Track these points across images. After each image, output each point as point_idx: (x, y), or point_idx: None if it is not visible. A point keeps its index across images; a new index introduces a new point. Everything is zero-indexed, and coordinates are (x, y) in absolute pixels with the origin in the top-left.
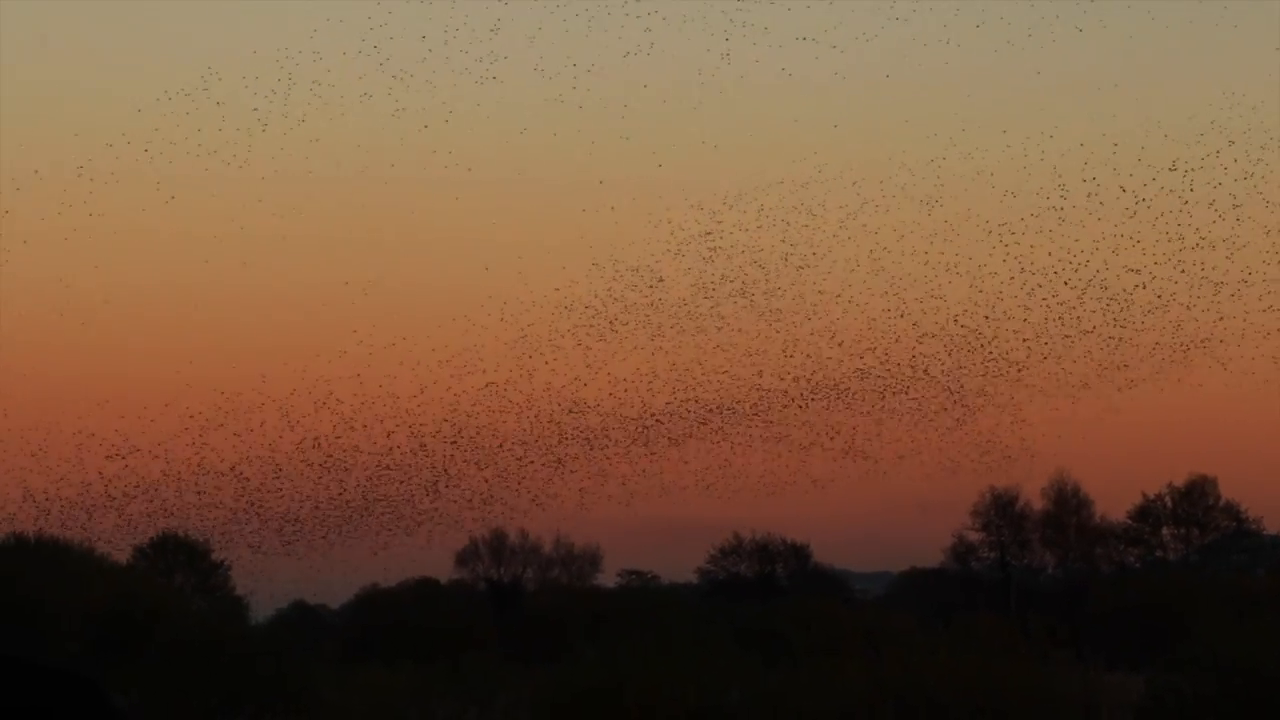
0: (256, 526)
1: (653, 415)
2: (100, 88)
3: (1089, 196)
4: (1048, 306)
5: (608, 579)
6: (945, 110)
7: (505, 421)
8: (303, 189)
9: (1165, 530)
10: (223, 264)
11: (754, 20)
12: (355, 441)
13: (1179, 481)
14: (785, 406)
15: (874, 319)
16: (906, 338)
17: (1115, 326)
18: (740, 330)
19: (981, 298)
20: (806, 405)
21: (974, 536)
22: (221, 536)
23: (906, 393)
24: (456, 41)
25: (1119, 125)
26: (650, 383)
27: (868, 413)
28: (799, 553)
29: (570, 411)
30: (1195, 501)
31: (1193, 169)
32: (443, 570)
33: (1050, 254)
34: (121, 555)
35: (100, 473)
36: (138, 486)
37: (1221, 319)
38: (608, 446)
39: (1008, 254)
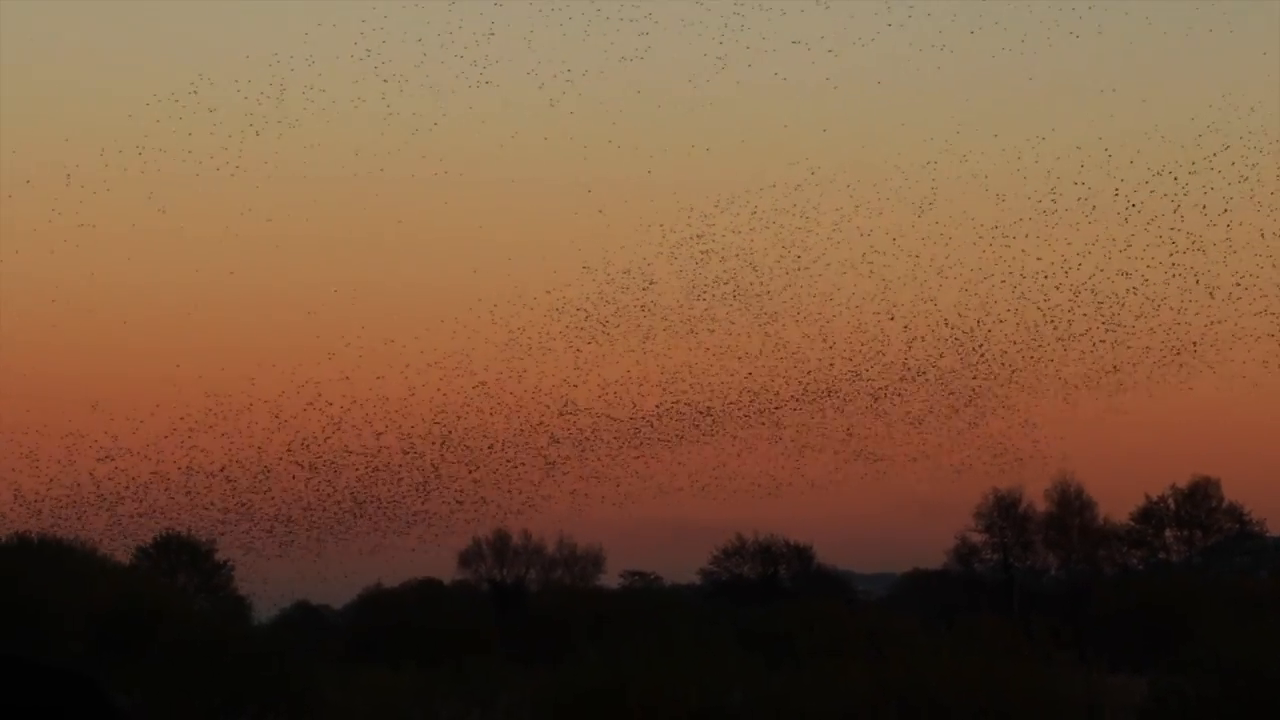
0: (247, 528)
1: (644, 417)
2: (92, 91)
3: (1080, 200)
4: (1040, 310)
5: (610, 580)
6: (939, 114)
7: (495, 423)
8: (292, 191)
9: (1168, 532)
10: (213, 267)
11: (748, 24)
12: (345, 443)
13: (1182, 483)
14: (778, 409)
15: (867, 321)
16: (899, 340)
17: (1107, 330)
18: (732, 332)
19: (974, 300)
20: (799, 408)
21: (977, 538)
22: (210, 538)
23: (901, 395)
24: (451, 46)
25: (1114, 128)
26: (640, 385)
27: (862, 415)
28: (802, 554)
29: (561, 413)
30: (1198, 503)
31: (1188, 173)
32: (446, 571)
33: (1040, 258)
34: (124, 555)
35: (91, 474)
36: (128, 488)
37: (1213, 323)
38: (599, 448)
39: (1000, 257)
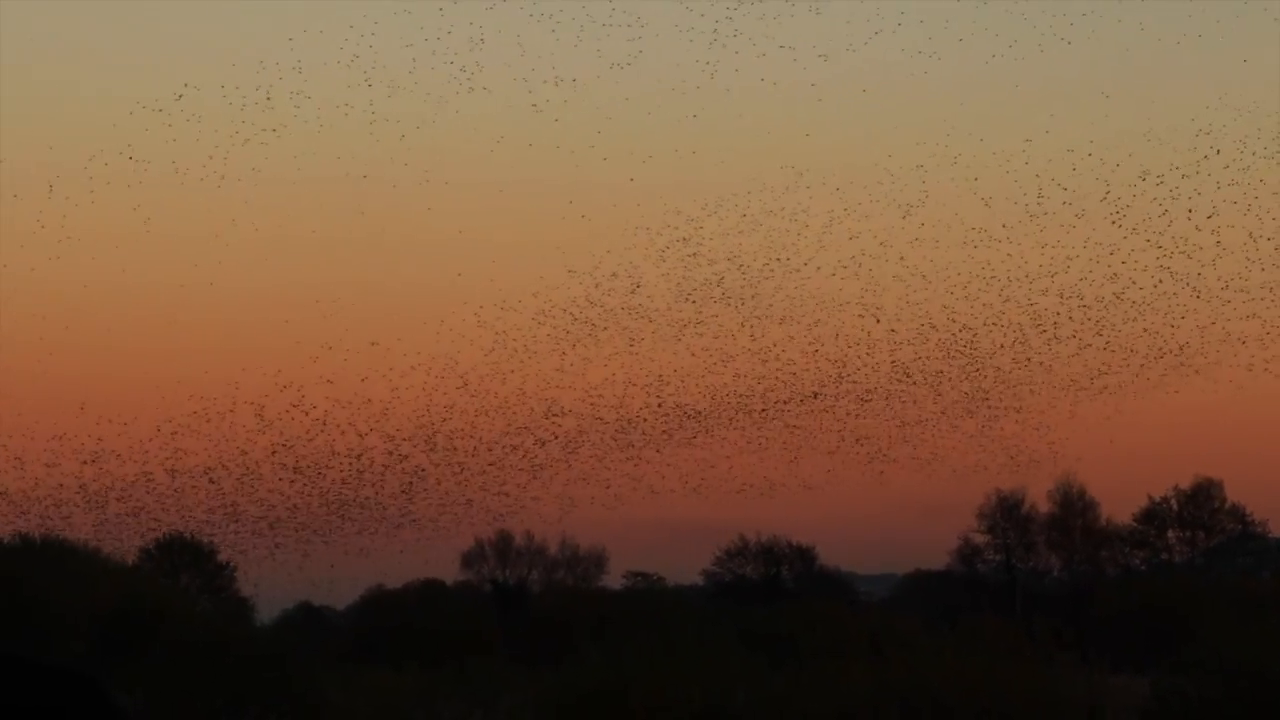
0: (235, 529)
1: (631, 419)
2: (78, 97)
3: (1065, 205)
4: (1027, 313)
5: (613, 581)
6: (928, 118)
7: (481, 425)
8: (278, 195)
9: (1171, 533)
10: (198, 271)
11: (739, 29)
12: (330, 444)
13: (1184, 484)
14: (764, 410)
15: (854, 324)
16: (886, 342)
17: (1095, 334)
18: (720, 335)
19: (963, 304)
20: (787, 410)
21: (979, 539)
22: (211, 539)
23: (890, 396)
24: (440, 51)
25: (1104, 132)
26: (627, 387)
27: (850, 416)
28: (804, 555)
29: (547, 415)
30: (1201, 504)
31: (1178, 178)
32: (448, 572)
33: (1027, 260)
34: (121, 556)
35: (76, 475)
36: (111, 489)
37: (1202, 326)
38: (585, 449)
39: (988, 260)
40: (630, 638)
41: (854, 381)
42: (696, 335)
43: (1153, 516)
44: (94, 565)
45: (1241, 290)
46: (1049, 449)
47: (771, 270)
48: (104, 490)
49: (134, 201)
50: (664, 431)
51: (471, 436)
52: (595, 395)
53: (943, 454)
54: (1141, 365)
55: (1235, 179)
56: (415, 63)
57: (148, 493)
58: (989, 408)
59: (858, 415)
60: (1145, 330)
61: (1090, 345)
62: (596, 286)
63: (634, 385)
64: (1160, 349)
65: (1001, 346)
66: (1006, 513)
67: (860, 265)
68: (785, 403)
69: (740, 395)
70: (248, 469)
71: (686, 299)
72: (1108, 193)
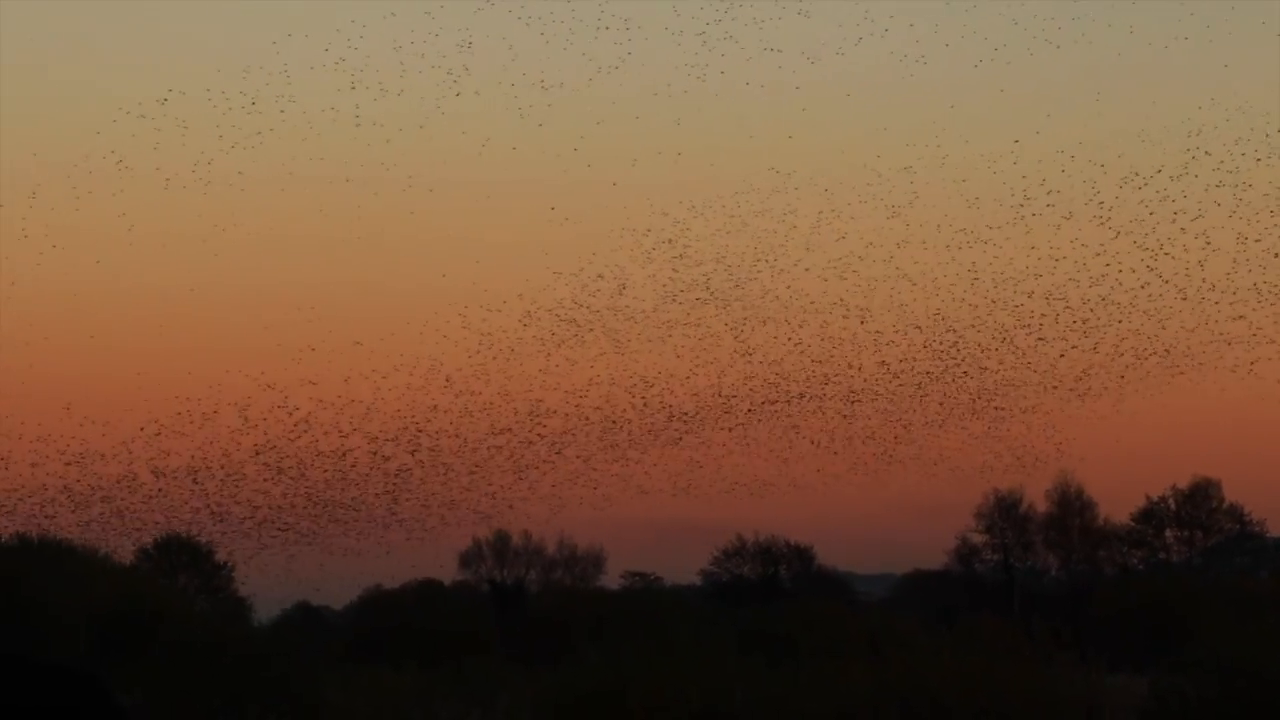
0: (221, 529)
1: (615, 419)
2: (65, 100)
3: (1050, 207)
4: (1011, 314)
5: (611, 581)
6: (917, 119)
7: (465, 426)
8: (263, 199)
9: (1168, 532)
10: (184, 274)
11: (727, 31)
12: (314, 445)
13: (1182, 484)
14: (749, 410)
15: (840, 324)
16: (873, 344)
17: (1082, 335)
18: (705, 336)
19: (948, 305)
20: (774, 409)
21: (977, 539)
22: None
23: (875, 398)
24: (427, 55)
25: (1092, 134)
26: (612, 388)
27: (837, 416)
28: (802, 555)
29: (533, 415)
30: (1198, 504)
31: (1166, 179)
32: (446, 572)
33: (1013, 260)
34: (124, 556)
35: (60, 477)
36: (94, 490)
37: (1188, 328)
38: (570, 448)
39: (975, 261)
40: (628, 638)
41: (840, 382)
42: (683, 336)
43: (1151, 516)
44: (92, 565)
45: (1229, 291)
46: (1049, 448)
47: (758, 271)
48: (88, 491)
49: (119, 206)
50: (649, 431)
51: (456, 437)
52: (581, 396)
53: (931, 453)
54: (1128, 366)
55: (1224, 180)
56: (403, 66)
57: (132, 493)
58: (977, 408)
59: (846, 416)
60: (1134, 331)
61: (1077, 346)
62: (583, 288)
63: (619, 386)
64: (1146, 350)
65: (985, 348)
66: (1004, 512)
67: (847, 266)
68: (772, 403)
69: (726, 396)
70: (231, 470)
71: (673, 300)
72: (1095, 194)
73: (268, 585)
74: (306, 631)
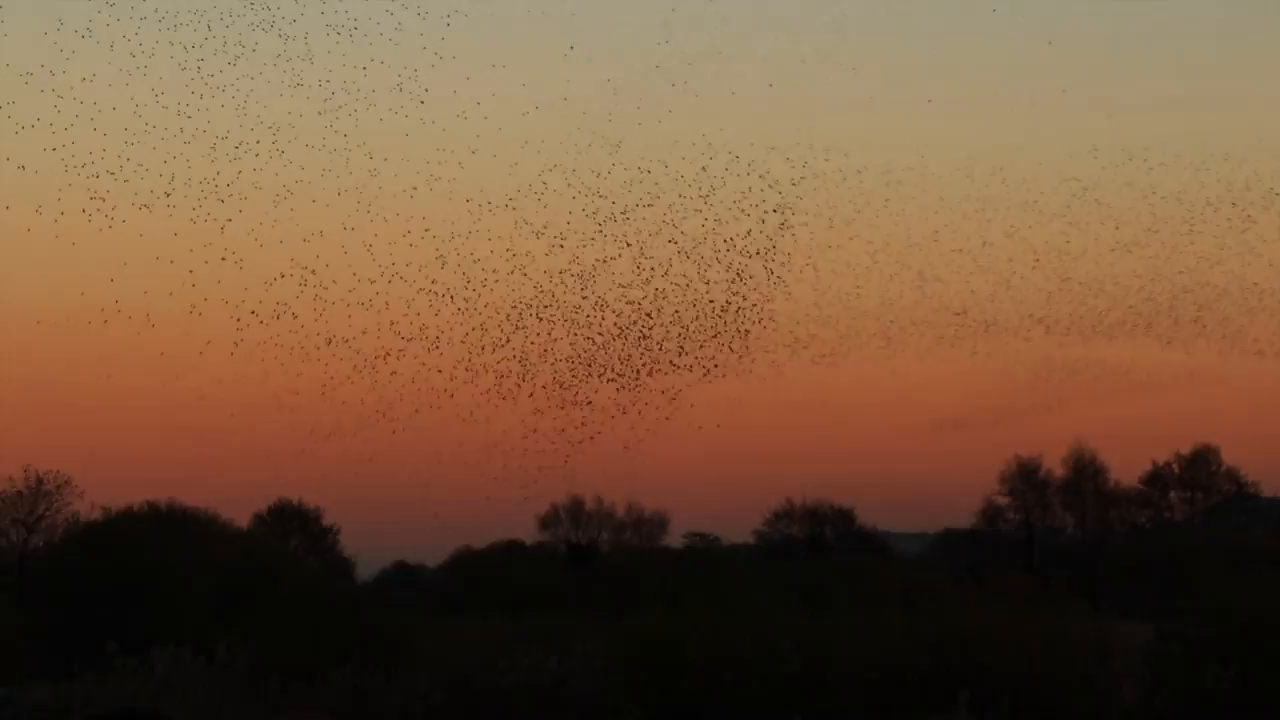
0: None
1: None
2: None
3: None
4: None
5: (674, 540)
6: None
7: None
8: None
9: (1173, 494)
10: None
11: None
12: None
13: (1185, 450)
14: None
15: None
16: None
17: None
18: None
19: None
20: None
21: (1001, 501)
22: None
23: None
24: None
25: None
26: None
27: None
28: (845, 516)
29: None
30: (1200, 468)
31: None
32: (527, 533)
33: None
34: (242, 521)
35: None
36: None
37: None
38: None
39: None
40: (689, 592)
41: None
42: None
43: (1156, 479)
44: (212, 530)
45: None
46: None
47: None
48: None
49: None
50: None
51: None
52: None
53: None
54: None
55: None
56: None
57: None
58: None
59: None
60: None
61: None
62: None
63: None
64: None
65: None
66: (1025, 477)
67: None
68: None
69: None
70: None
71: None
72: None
73: (372, 544)
74: (403, 588)
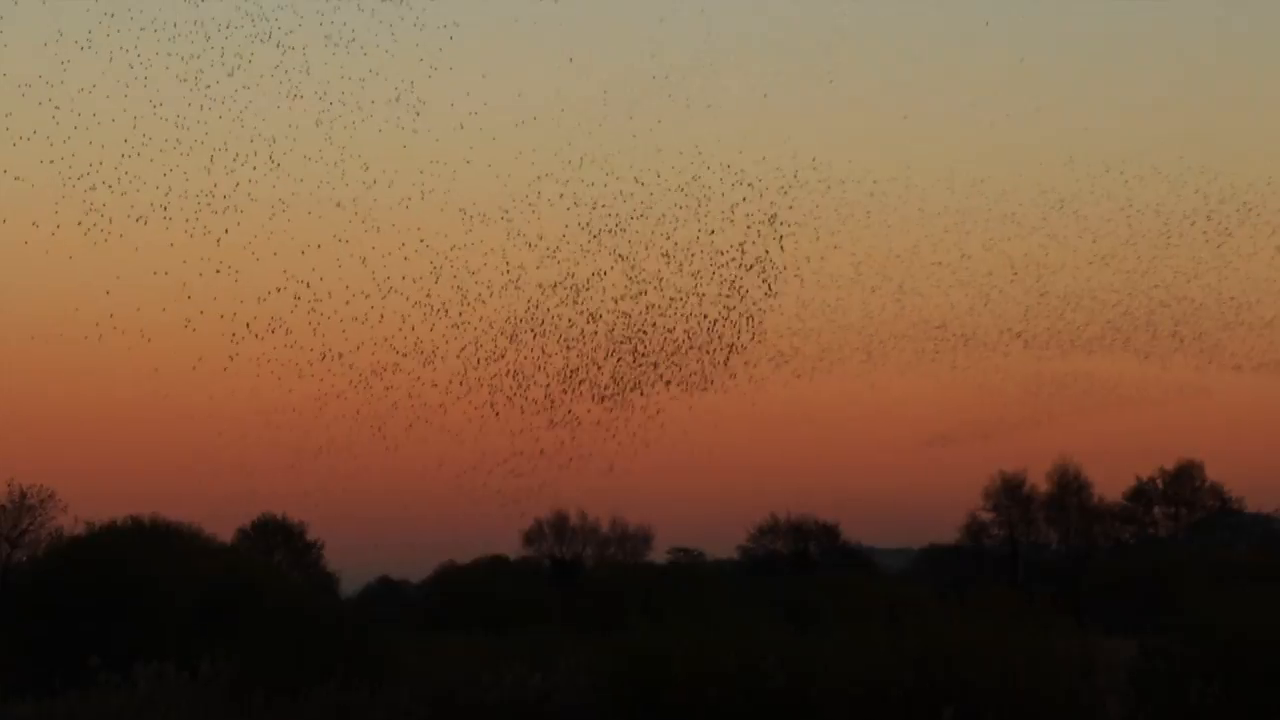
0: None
1: None
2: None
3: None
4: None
5: (658, 556)
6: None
7: None
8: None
9: (1157, 509)
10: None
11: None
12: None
13: (1169, 465)
14: None
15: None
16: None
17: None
18: None
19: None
20: None
21: (985, 516)
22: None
23: None
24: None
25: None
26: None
27: None
28: (830, 531)
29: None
30: (1183, 483)
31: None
32: (511, 548)
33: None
34: (225, 536)
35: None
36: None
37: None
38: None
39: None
40: (673, 608)
41: None
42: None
43: (1140, 495)
44: (196, 545)
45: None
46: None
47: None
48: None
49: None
50: None
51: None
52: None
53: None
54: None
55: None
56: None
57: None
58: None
59: None
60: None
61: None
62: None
63: None
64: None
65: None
66: (1009, 492)
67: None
68: None
69: None
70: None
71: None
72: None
73: (356, 560)
74: (388, 603)
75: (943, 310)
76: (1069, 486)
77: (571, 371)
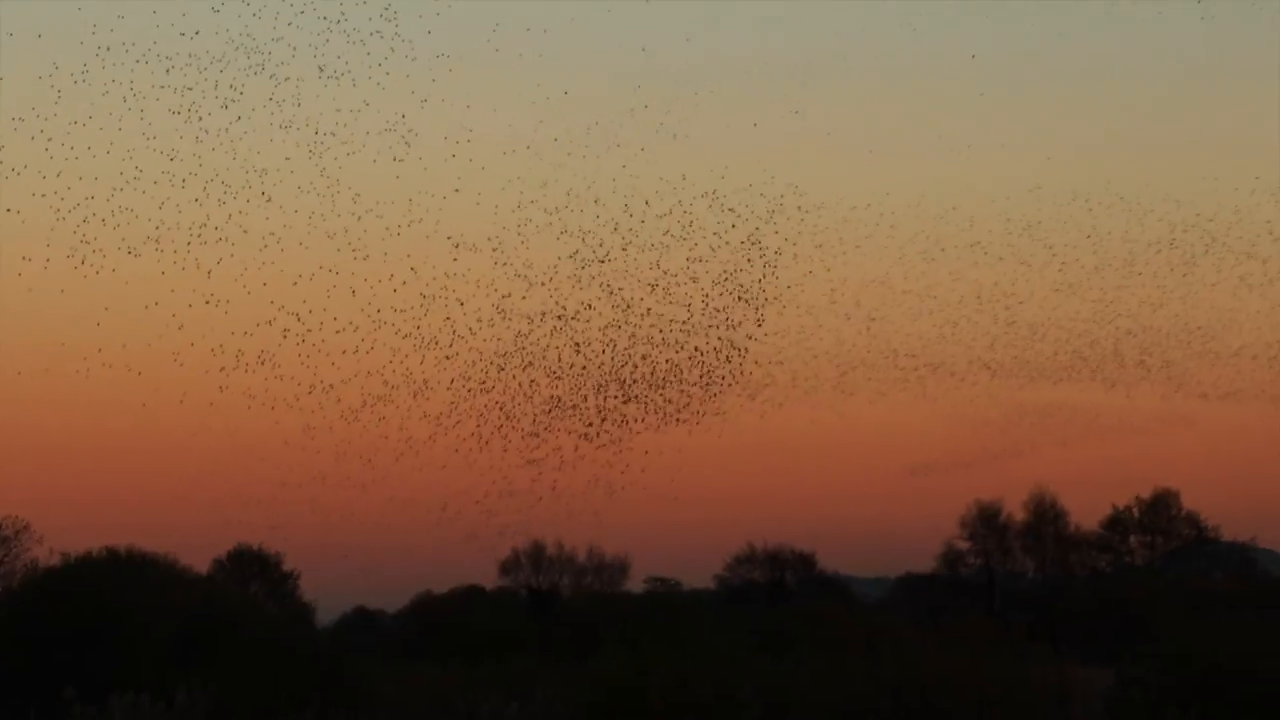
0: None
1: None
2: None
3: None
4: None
5: (635, 585)
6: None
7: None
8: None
9: (1133, 538)
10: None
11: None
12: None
13: (1145, 494)
14: None
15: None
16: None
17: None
18: None
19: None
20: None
21: (962, 545)
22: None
23: None
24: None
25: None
26: None
27: None
28: (806, 560)
29: None
30: (1159, 512)
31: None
32: (488, 578)
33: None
34: (202, 566)
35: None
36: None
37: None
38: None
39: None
40: (650, 637)
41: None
42: None
43: (1117, 523)
44: (171, 575)
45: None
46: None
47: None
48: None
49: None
50: None
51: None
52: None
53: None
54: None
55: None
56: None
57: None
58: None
59: None
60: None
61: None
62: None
63: None
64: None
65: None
66: (986, 521)
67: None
68: None
69: None
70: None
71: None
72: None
73: (332, 589)
74: (364, 633)
75: (912, 340)
76: (1045, 515)
77: (560, 401)
